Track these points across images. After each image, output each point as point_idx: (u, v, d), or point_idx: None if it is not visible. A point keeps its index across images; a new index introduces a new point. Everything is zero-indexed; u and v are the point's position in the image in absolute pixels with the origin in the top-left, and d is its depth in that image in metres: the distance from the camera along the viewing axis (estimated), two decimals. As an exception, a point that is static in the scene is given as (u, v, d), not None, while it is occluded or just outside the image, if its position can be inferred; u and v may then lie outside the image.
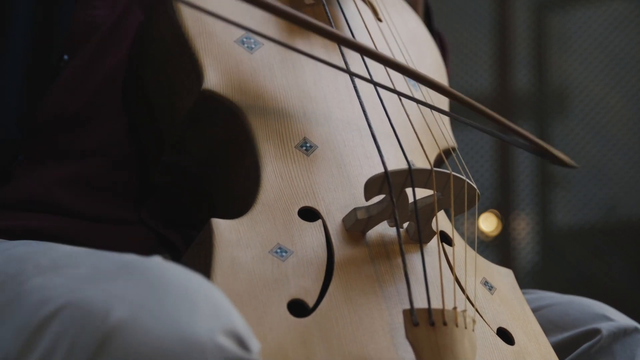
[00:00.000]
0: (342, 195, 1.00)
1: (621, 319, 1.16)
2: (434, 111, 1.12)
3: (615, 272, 2.58)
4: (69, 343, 0.77)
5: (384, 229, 0.99)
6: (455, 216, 1.00)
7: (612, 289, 2.54)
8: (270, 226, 0.95)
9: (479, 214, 2.59)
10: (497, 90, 2.70)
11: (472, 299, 1.00)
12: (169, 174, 1.11)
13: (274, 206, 0.96)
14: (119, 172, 1.12)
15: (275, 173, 0.99)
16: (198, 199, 1.11)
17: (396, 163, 1.01)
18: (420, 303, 0.91)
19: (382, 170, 0.96)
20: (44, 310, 0.79)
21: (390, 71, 1.07)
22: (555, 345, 1.07)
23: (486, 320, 1.00)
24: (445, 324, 0.89)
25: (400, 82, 1.11)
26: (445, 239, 1.06)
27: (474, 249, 1.08)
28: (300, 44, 1.09)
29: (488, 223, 2.66)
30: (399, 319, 0.90)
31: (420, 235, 0.98)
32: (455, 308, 0.91)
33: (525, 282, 2.50)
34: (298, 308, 0.90)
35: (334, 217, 0.98)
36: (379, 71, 1.06)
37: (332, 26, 1.09)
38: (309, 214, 0.98)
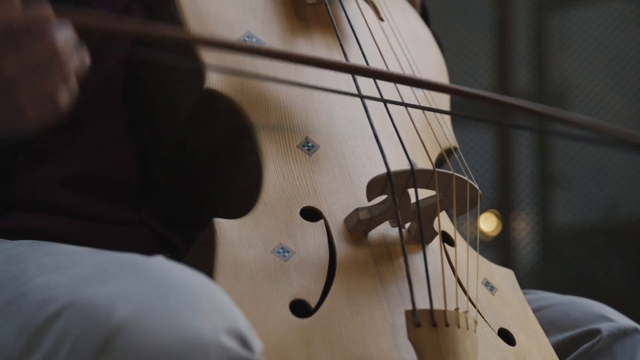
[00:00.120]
0: (344, 195, 1.00)
1: (621, 320, 1.16)
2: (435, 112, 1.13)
3: (615, 272, 2.58)
4: (72, 343, 0.77)
5: (386, 230, 0.99)
6: (457, 217, 1.00)
7: (612, 289, 2.54)
8: (273, 226, 0.94)
9: (479, 214, 2.59)
10: (497, 90, 2.70)
11: (473, 299, 1.00)
12: (169, 174, 1.11)
13: (276, 206, 0.96)
14: (119, 172, 1.12)
15: (277, 173, 0.99)
16: (198, 199, 1.11)
17: (398, 163, 1.01)
18: (422, 304, 0.91)
19: (384, 170, 0.96)
20: (47, 310, 0.79)
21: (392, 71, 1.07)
22: (555, 346, 1.07)
23: (487, 321, 1.00)
24: (447, 325, 0.89)
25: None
26: (447, 239, 1.05)
27: (475, 250, 1.08)
28: (302, 43, 1.09)
29: (488, 223, 2.66)
30: (401, 320, 0.90)
31: (423, 236, 0.98)
32: (457, 309, 0.91)
33: (525, 282, 2.50)
34: (300, 308, 0.90)
35: (336, 217, 0.97)
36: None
37: (334, 25, 1.09)
38: (311, 214, 0.97)
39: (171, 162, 1.09)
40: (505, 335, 1.01)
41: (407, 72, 1.14)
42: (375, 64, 1.09)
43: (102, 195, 1.11)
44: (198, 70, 1.02)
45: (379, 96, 1.05)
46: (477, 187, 1.01)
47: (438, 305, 0.91)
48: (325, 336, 0.88)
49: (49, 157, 1.10)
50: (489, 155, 2.69)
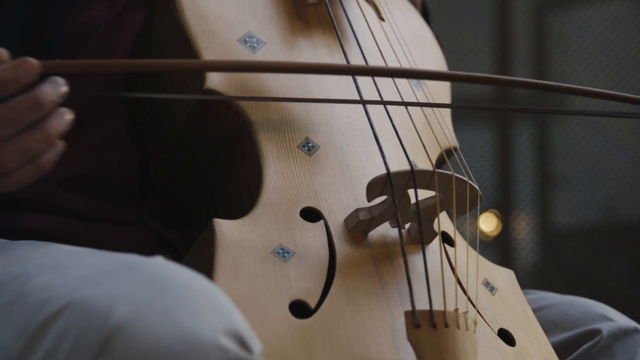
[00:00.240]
0: (344, 195, 1.00)
1: (621, 320, 1.16)
2: (434, 111, 1.12)
3: (615, 272, 2.58)
4: (71, 343, 0.77)
5: (385, 230, 0.98)
6: (457, 217, 1.00)
7: (612, 289, 2.54)
8: (272, 227, 0.94)
9: (479, 214, 2.59)
10: (497, 90, 2.70)
11: (473, 300, 1.00)
12: (169, 174, 1.11)
13: (276, 206, 0.96)
14: (119, 172, 1.12)
15: (278, 173, 0.99)
16: (198, 199, 1.11)
17: (398, 163, 1.01)
18: (421, 304, 0.91)
19: (384, 171, 0.96)
20: (47, 310, 0.79)
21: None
22: (555, 346, 1.07)
23: (487, 321, 1.00)
24: (446, 325, 0.89)
25: (403, 81, 1.11)
26: (447, 239, 1.05)
27: (475, 250, 1.08)
28: (303, 43, 1.09)
29: (488, 223, 2.66)
30: (401, 321, 0.90)
31: (422, 236, 0.98)
32: (456, 310, 0.90)
33: (525, 282, 2.50)
34: (300, 309, 0.90)
35: (336, 217, 0.97)
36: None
37: (334, 26, 1.09)
38: (311, 214, 0.97)
39: (171, 162, 1.09)
40: (505, 336, 1.00)
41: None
42: (376, 64, 1.08)
43: (102, 195, 1.11)
44: (199, 74, 1.02)
45: (378, 98, 1.05)
46: (477, 187, 1.01)
47: (438, 305, 0.91)
48: (325, 337, 0.88)
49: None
50: (489, 155, 2.69)
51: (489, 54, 2.77)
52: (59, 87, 0.86)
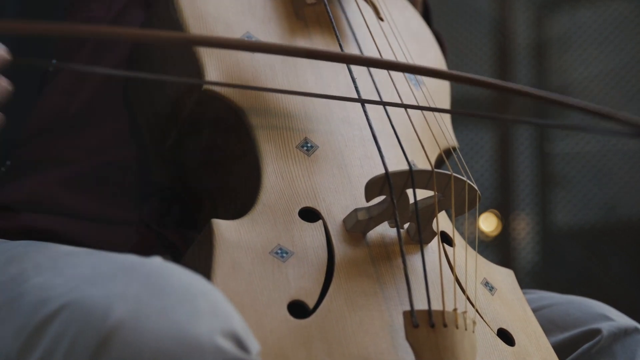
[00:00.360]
0: (343, 195, 1.00)
1: (621, 319, 1.16)
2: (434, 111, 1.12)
3: (615, 272, 2.58)
4: (69, 343, 0.77)
5: (384, 230, 0.98)
6: (455, 217, 1.00)
7: (612, 289, 2.54)
8: (271, 227, 0.94)
9: (479, 214, 2.59)
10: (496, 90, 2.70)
11: (472, 299, 1.00)
12: (169, 174, 1.11)
13: (274, 207, 0.96)
14: (119, 172, 1.12)
15: (276, 173, 0.99)
16: (198, 199, 1.11)
17: (397, 163, 1.01)
18: (420, 304, 0.91)
19: (383, 171, 0.96)
20: (44, 310, 0.80)
21: (392, 72, 1.07)
22: (555, 346, 1.07)
23: (486, 321, 1.00)
24: (445, 325, 0.88)
25: (402, 81, 1.11)
26: (445, 239, 1.05)
27: (474, 250, 1.08)
28: (302, 43, 1.09)
29: (488, 223, 2.66)
30: (399, 320, 0.90)
31: (421, 236, 0.98)
32: (455, 309, 0.90)
33: (525, 282, 2.50)
34: (298, 309, 0.89)
35: (335, 217, 0.97)
36: (381, 74, 1.06)
37: (333, 26, 1.09)
38: (309, 214, 0.97)
39: (170, 162, 1.09)
40: (505, 336, 1.00)
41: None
42: (377, 72, 1.08)
43: (101, 195, 1.11)
44: (199, 71, 1.02)
45: (377, 97, 1.05)
46: (475, 187, 1.01)
47: (436, 305, 0.90)
48: (324, 337, 0.88)
49: (49, 157, 1.10)
50: (489, 155, 2.69)
51: (489, 54, 2.77)
52: None
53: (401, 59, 1.14)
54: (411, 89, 1.11)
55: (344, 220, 0.97)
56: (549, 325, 1.14)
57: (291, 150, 1.01)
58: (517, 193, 2.68)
